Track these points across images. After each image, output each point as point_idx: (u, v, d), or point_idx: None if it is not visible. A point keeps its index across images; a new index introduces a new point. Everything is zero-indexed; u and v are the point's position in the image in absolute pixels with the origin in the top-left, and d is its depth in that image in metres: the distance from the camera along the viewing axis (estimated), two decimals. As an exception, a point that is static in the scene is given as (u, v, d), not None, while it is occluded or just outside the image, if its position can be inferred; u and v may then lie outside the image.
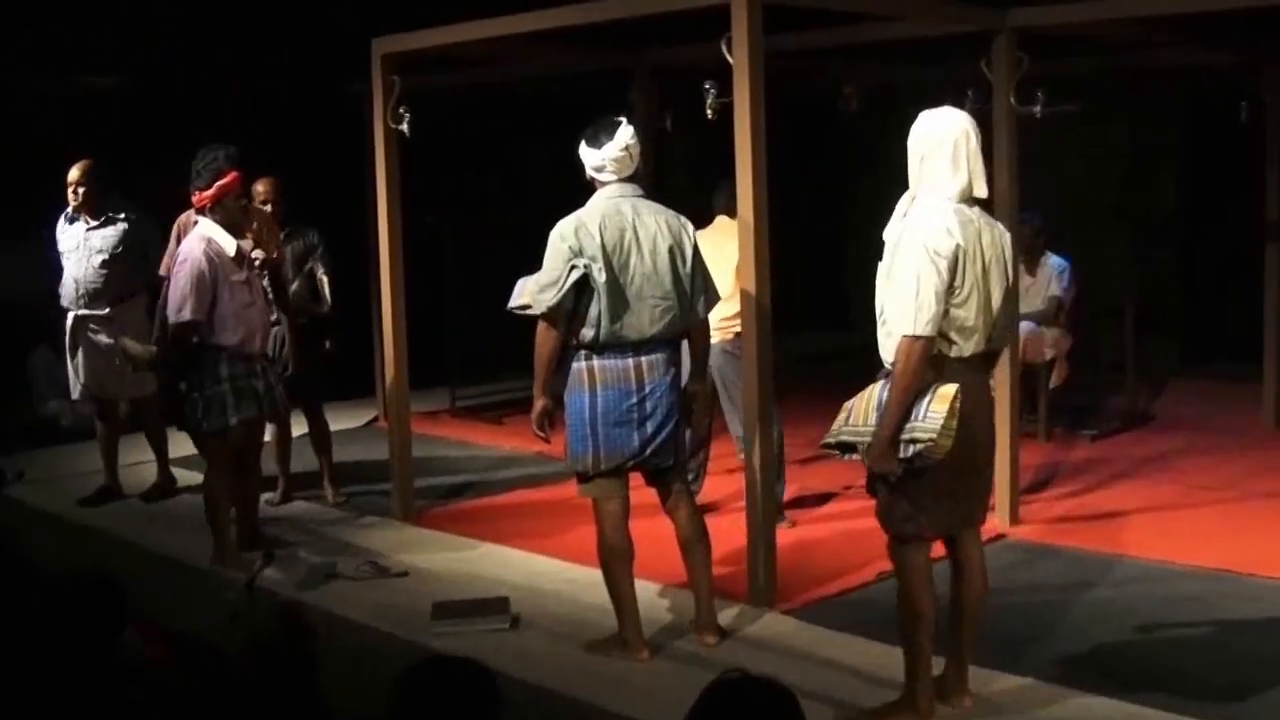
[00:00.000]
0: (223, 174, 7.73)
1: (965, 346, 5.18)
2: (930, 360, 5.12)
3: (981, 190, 5.25)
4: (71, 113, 11.44)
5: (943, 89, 11.08)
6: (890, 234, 5.34)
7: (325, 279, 9.07)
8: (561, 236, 6.05)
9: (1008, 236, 5.40)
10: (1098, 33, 8.83)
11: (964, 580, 5.48)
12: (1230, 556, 7.37)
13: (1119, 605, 6.75)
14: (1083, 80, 10.62)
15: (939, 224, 5.10)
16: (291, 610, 4.94)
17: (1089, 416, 10.99)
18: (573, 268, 5.99)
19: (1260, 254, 10.50)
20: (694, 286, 6.21)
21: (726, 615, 6.66)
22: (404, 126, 8.28)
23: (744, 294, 6.78)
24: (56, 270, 9.44)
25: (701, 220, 7.59)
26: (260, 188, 8.86)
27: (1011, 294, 5.41)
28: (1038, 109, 7.91)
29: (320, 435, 9.29)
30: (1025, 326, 9.59)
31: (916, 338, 5.05)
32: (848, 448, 5.37)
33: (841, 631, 6.48)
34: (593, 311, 6.04)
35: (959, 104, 8.45)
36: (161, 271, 8.47)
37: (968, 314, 5.14)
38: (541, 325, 6.11)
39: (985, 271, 5.18)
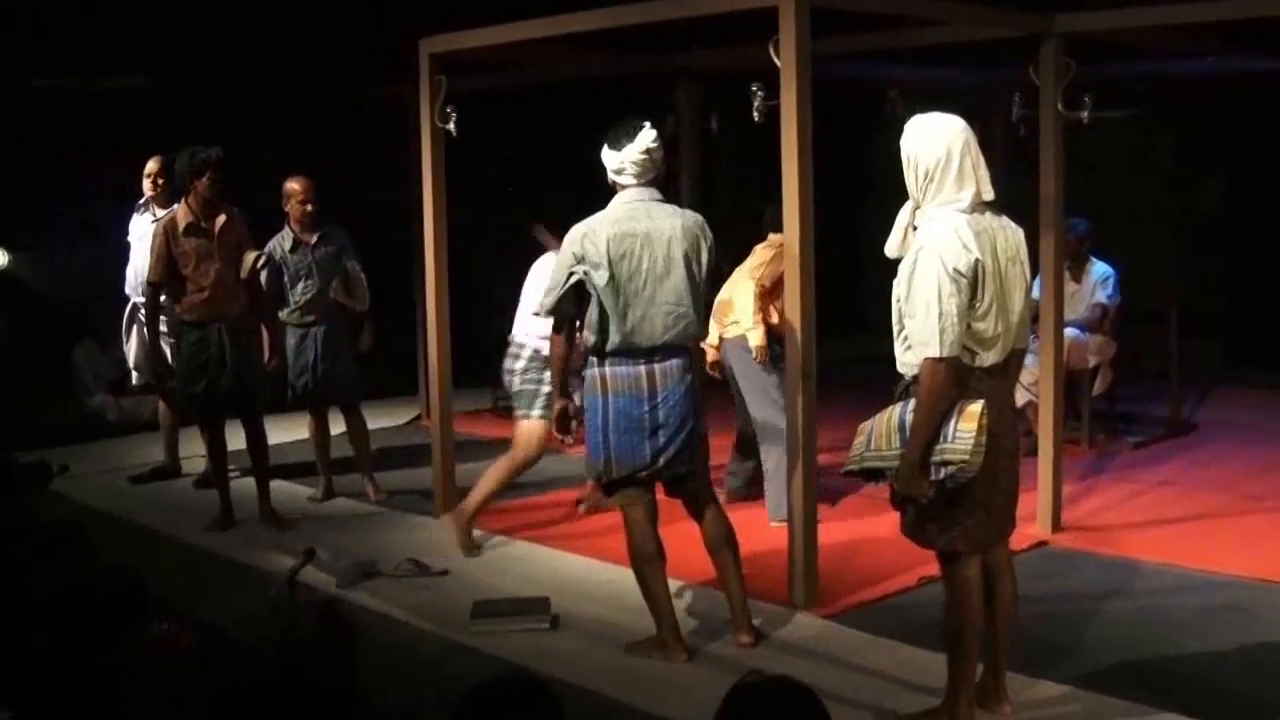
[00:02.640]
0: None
1: (987, 356, 5.12)
2: (962, 374, 5.08)
3: (989, 193, 5.18)
4: (115, 112, 11.50)
5: (987, 92, 11.12)
6: (892, 247, 5.30)
7: (362, 275, 9.12)
8: (569, 243, 6.12)
9: (1020, 234, 5.30)
10: (1145, 39, 8.78)
11: (997, 588, 5.43)
12: (1273, 567, 7.30)
13: (1160, 614, 6.71)
14: (1130, 86, 10.59)
15: (956, 241, 5.01)
16: (330, 607, 4.97)
17: (1132, 423, 10.94)
18: (571, 273, 6.06)
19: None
20: (710, 289, 6.26)
21: (767, 618, 6.66)
22: (451, 126, 8.32)
23: (788, 298, 6.76)
24: (98, 263, 9.72)
25: (748, 233, 7.63)
26: (296, 187, 8.92)
27: (1029, 293, 5.31)
28: (1085, 114, 7.88)
29: (358, 434, 9.33)
30: (1069, 333, 9.54)
31: (940, 359, 5.00)
32: (873, 474, 5.32)
33: (882, 636, 6.46)
34: (592, 316, 6.08)
35: (1005, 109, 8.53)
36: (148, 277, 8.60)
37: (989, 325, 5.08)
38: (551, 329, 6.25)
39: (1003, 279, 5.12)
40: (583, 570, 7.66)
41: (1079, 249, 10.26)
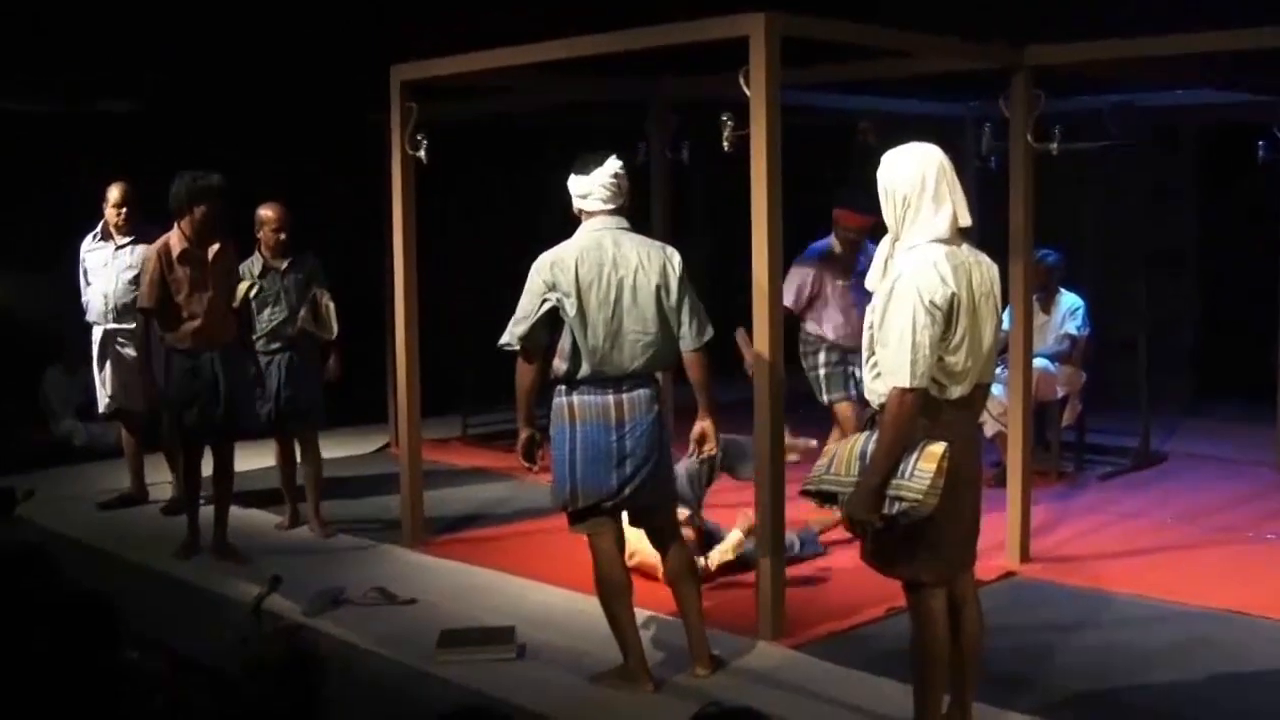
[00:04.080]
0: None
1: (955, 389, 5.12)
2: (928, 406, 5.06)
3: (966, 219, 5.17)
4: (85, 137, 11.49)
5: (959, 124, 11.16)
6: (873, 280, 5.29)
7: (330, 305, 9.03)
8: (537, 271, 6.11)
9: (995, 270, 5.30)
10: (1114, 71, 8.82)
11: (962, 618, 5.40)
12: (1242, 598, 7.32)
13: (1128, 645, 6.72)
14: (1100, 117, 10.63)
15: (933, 273, 5.01)
16: (296, 635, 4.93)
17: (1101, 454, 10.96)
18: (544, 301, 6.05)
19: (1276, 292, 10.45)
20: (679, 320, 6.17)
21: (734, 649, 6.66)
22: (421, 153, 8.34)
23: (756, 325, 6.75)
24: (72, 288, 9.66)
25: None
26: (270, 214, 8.91)
27: (998, 327, 5.32)
28: (1054, 146, 7.91)
29: (312, 466, 9.22)
30: (1038, 364, 9.56)
31: (909, 390, 4.99)
32: (828, 497, 5.31)
33: (849, 667, 6.45)
34: (566, 345, 6.09)
35: (974, 139, 8.57)
36: (140, 303, 8.52)
37: (959, 359, 5.08)
38: (519, 359, 6.20)
39: (976, 313, 5.12)
40: (549, 600, 7.64)
41: (1049, 280, 10.29)
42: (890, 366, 5.04)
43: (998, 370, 9.53)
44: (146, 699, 4.33)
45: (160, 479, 9.97)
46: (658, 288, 6.10)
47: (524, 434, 6.34)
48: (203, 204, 8.25)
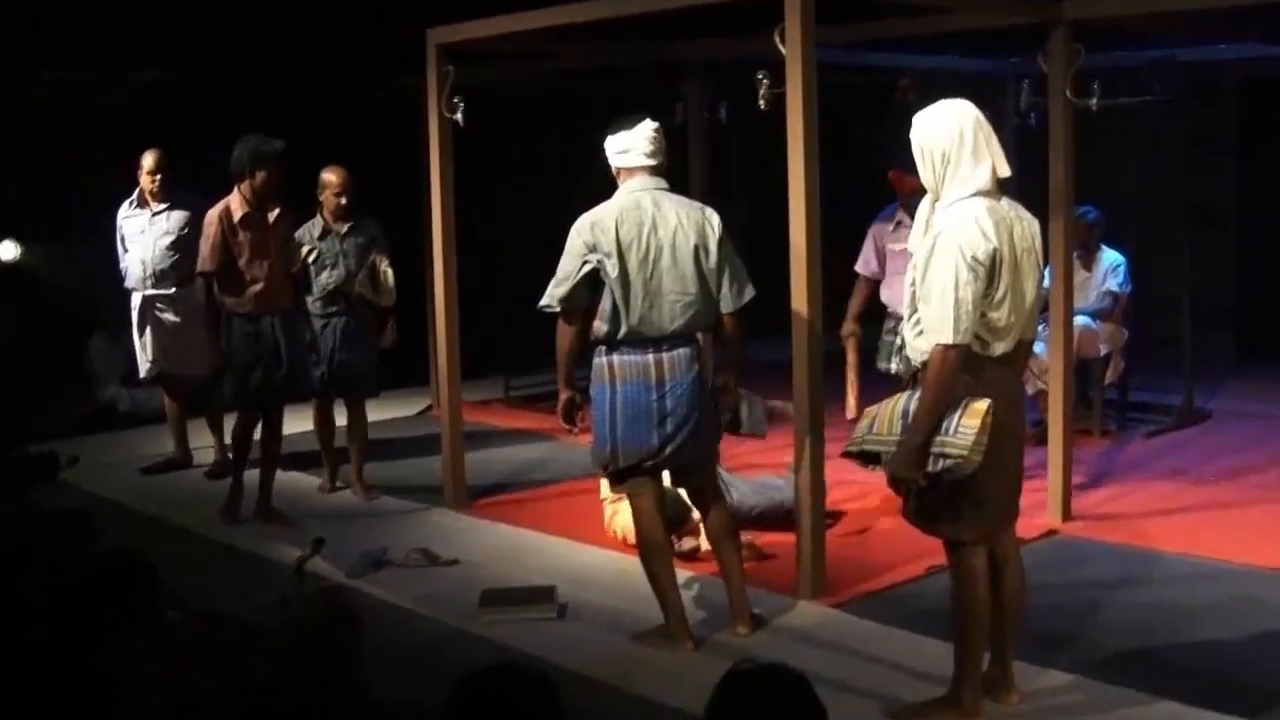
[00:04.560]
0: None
1: (998, 346, 5.11)
2: (970, 363, 5.06)
3: (1005, 169, 5.17)
4: (124, 106, 11.53)
5: (997, 81, 11.10)
6: (914, 241, 5.30)
7: (389, 271, 9.01)
8: (577, 232, 6.11)
9: (1035, 225, 5.29)
10: (1153, 25, 8.75)
11: (1004, 578, 5.40)
12: (1288, 554, 7.30)
13: (1171, 603, 6.70)
14: (1140, 72, 10.55)
15: (974, 228, 5.00)
16: (336, 596, 4.97)
17: (1145, 412, 10.91)
18: (584, 262, 6.05)
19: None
20: (719, 281, 6.17)
21: (775, 608, 6.67)
22: (458, 116, 8.34)
23: (794, 285, 6.72)
24: (114, 256, 9.72)
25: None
26: (333, 178, 8.90)
27: (1040, 282, 5.31)
28: (1094, 102, 7.86)
29: (358, 431, 9.24)
30: (1080, 321, 9.51)
31: (952, 345, 4.98)
32: (871, 457, 5.31)
33: (888, 625, 6.45)
34: (606, 306, 6.08)
35: (1013, 96, 8.52)
36: (201, 267, 8.43)
37: (1002, 315, 5.06)
38: (560, 320, 6.19)
39: (1018, 268, 5.10)
40: (591, 560, 7.67)
41: (1089, 237, 10.22)
42: (933, 323, 5.03)
43: (1039, 328, 9.54)
44: (184, 657, 4.36)
45: (203, 444, 10.02)
46: (696, 248, 6.10)
47: (564, 395, 6.34)
48: (264, 168, 8.26)
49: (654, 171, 6.21)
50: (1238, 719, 5.34)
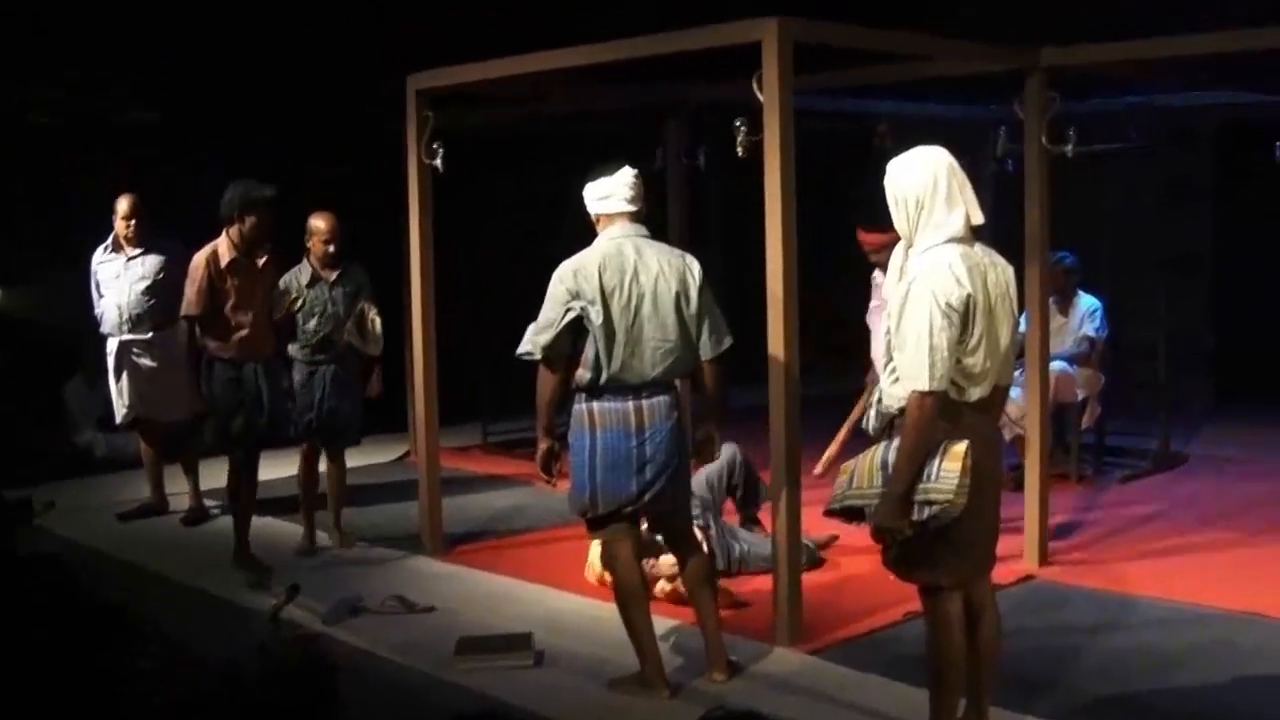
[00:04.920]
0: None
1: (974, 391, 5.11)
2: (947, 409, 5.06)
3: (978, 216, 5.18)
4: (106, 148, 11.53)
5: (975, 127, 11.14)
6: (889, 288, 5.34)
7: (377, 320, 8.88)
8: (560, 279, 6.10)
9: (1010, 271, 5.29)
10: (1129, 73, 8.80)
11: (980, 624, 5.39)
12: (1262, 601, 7.29)
13: (1148, 648, 6.70)
14: (1116, 119, 10.61)
15: (948, 274, 5.01)
16: (312, 644, 4.95)
17: (1121, 456, 10.94)
18: (568, 310, 6.03)
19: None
20: (699, 328, 6.18)
21: (752, 655, 6.66)
22: (438, 162, 8.35)
23: (771, 331, 6.73)
24: (88, 300, 9.76)
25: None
26: (321, 225, 8.73)
27: (1016, 328, 5.31)
28: (1069, 148, 7.90)
29: (338, 480, 9.12)
30: (1056, 366, 9.55)
31: (929, 393, 4.98)
32: (854, 512, 5.30)
33: (866, 672, 6.44)
34: (589, 353, 6.07)
35: (991, 142, 8.56)
36: (185, 310, 8.33)
37: (977, 360, 5.07)
38: (541, 368, 6.16)
39: (992, 314, 5.11)
40: (568, 606, 7.64)
41: (1066, 282, 10.28)
42: (909, 370, 5.03)
43: (1015, 373, 9.55)
44: (145, 699, 4.33)
45: (179, 490, 9.98)
46: (678, 295, 6.11)
47: (543, 445, 6.33)
48: (253, 214, 8.24)
49: (635, 218, 6.23)
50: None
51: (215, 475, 9.06)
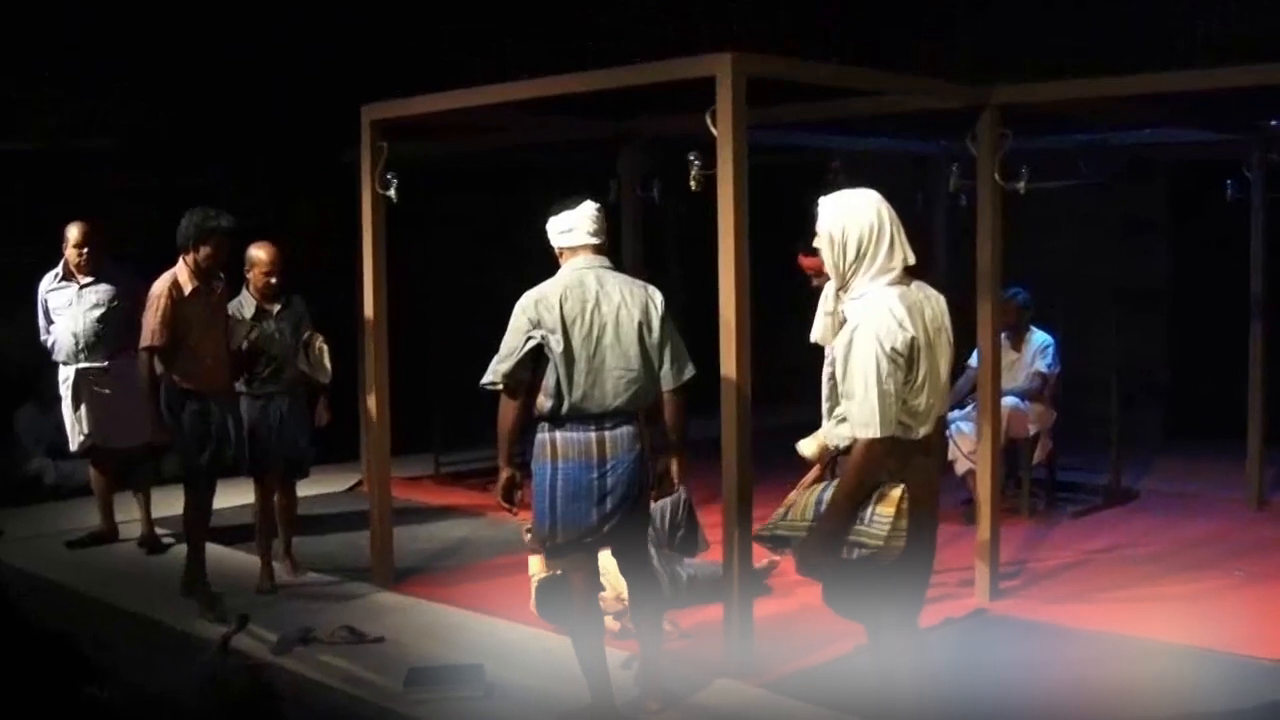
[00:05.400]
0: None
1: (921, 429, 5.15)
2: (889, 449, 5.07)
3: (911, 257, 5.22)
4: (58, 174, 11.49)
5: (929, 163, 11.23)
6: (817, 333, 5.44)
7: (324, 348, 8.81)
8: (522, 310, 6.14)
9: (943, 302, 5.33)
10: (1081, 110, 8.88)
11: None
12: (1213, 635, 7.35)
13: (1098, 682, 6.73)
14: (1071, 157, 10.71)
15: (891, 319, 5.03)
16: (260, 674, 4.94)
17: (1072, 492, 10.99)
18: (529, 338, 6.07)
19: (1245, 328, 10.51)
20: (661, 358, 6.23)
21: (698, 686, 6.66)
22: (391, 193, 8.35)
23: (724, 362, 6.76)
24: (35, 329, 9.77)
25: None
26: (262, 256, 8.63)
27: (953, 359, 5.35)
28: (1022, 184, 7.96)
29: (288, 509, 9.02)
30: (1009, 402, 9.60)
31: (876, 440, 5.01)
32: (782, 542, 5.33)
33: (815, 704, 6.44)
34: (550, 382, 6.09)
35: (945, 178, 8.62)
36: (148, 341, 8.08)
37: (923, 400, 5.11)
38: (503, 397, 6.19)
39: (933, 350, 5.15)
40: (519, 638, 7.62)
41: (1019, 318, 10.33)
42: (860, 418, 5.03)
43: (968, 409, 9.61)
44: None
45: (128, 517, 9.92)
46: (640, 325, 6.16)
47: (504, 474, 6.33)
48: (209, 243, 8.08)
49: (597, 250, 6.28)
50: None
51: (166, 504, 9.00)
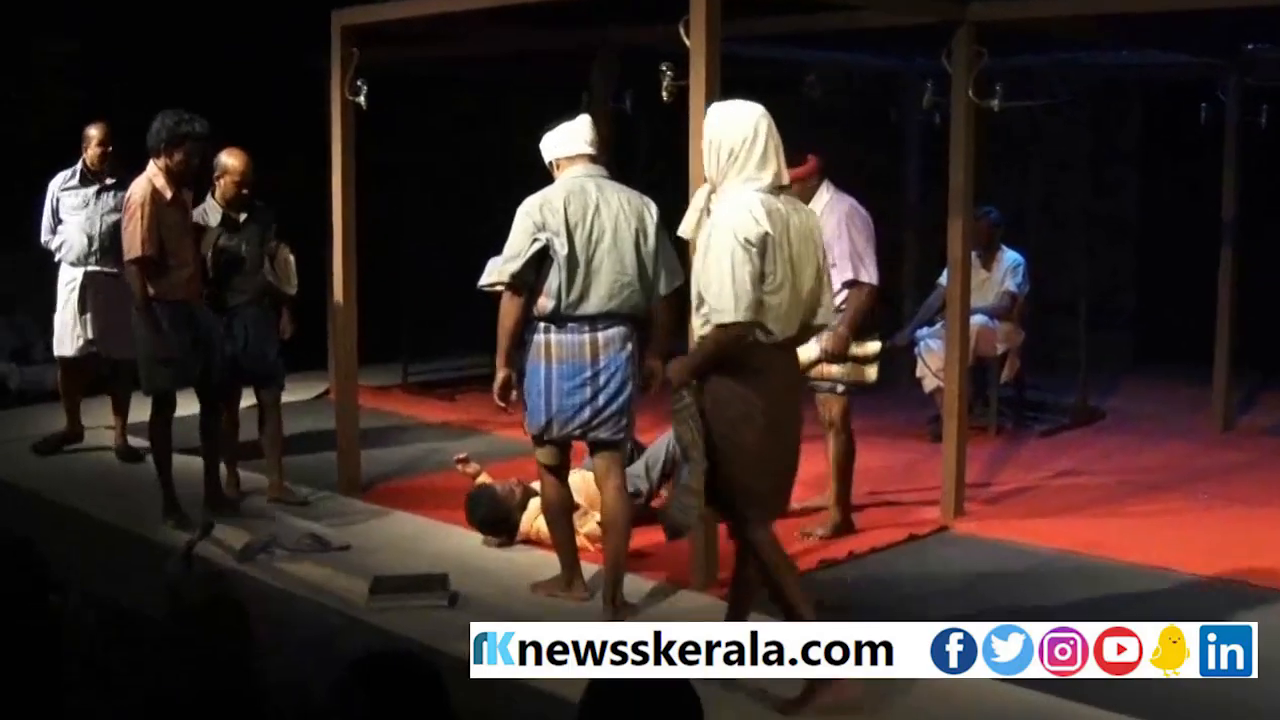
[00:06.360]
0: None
1: (780, 332, 5.35)
2: (749, 349, 5.29)
3: (785, 178, 5.42)
4: (22, 78, 11.35)
5: (903, 79, 11.17)
6: (686, 228, 5.66)
7: (290, 259, 8.64)
8: (526, 213, 6.34)
9: (814, 217, 5.61)
10: (1057, 29, 8.83)
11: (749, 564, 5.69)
12: (1173, 556, 7.39)
13: (1059, 600, 6.73)
14: (1046, 78, 10.67)
15: (747, 215, 5.23)
16: (222, 582, 4.93)
17: (1040, 411, 11.03)
18: (534, 240, 6.27)
19: (1215, 254, 10.51)
20: (656, 266, 6.43)
21: (659, 595, 6.77)
22: (361, 99, 8.27)
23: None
24: (37, 224, 9.57)
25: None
26: (235, 163, 8.30)
27: (824, 274, 5.55)
28: (995, 103, 7.92)
29: (277, 428, 8.68)
30: (977, 320, 9.60)
31: (733, 323, 5.21)
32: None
33: (773, 617, 6.44)
34: (552, 283, 6.30)
35: (918, 94, 8.59)
36: (139, 251, 7.79)
37: (781, 300, 5.30)
38: (506, 295, 6.40)
39: (794, 256, 5.34)
40: (483, 548, 7.64)
41: (990, 237, 10.32)
42: (716, 304, 5.25)
43: (937, 325, 9.62)
44: (70, 642, 4.31)
45: (100, 422, 9.84)
46: (637, 232, 6.40)
47: (502, 374, 6.53)
48: (183, 149, 7.83)
49: (593, 160, 6.50)
50: (1109, 713, 5.51)
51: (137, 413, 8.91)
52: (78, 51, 11.56)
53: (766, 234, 5.21)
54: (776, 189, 5.37)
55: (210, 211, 8.37)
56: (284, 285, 8.65)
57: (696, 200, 5.60)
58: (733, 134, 5.36)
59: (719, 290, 5.21)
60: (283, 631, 6.22)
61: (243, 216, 8.44)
